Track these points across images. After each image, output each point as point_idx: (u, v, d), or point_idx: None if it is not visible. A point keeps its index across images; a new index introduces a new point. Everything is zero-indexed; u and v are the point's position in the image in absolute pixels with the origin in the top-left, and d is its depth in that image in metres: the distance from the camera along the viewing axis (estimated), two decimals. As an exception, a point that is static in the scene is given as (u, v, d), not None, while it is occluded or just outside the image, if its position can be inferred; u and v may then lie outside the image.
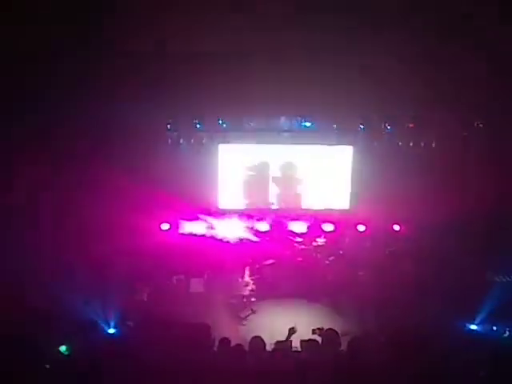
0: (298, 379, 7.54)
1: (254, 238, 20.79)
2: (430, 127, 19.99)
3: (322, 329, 9.45)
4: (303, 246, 21.10)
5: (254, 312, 18.60)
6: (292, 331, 10.22)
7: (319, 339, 8.88)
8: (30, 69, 14.30)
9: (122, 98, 16.57)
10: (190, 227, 20.57)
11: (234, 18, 13.90)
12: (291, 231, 21.11)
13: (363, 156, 20.68)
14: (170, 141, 19.98)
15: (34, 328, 12.16)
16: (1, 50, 13.47)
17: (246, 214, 21.12)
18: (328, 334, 8.89)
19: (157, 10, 13.56)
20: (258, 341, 8.78)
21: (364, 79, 15.93)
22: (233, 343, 8.96)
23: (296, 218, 21.28)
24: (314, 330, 9.94)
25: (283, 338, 9.99)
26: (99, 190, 17.04)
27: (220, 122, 20.13)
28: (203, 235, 20.56)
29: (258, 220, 21.08)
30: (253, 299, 19.28)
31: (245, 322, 17.75)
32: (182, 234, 20.42)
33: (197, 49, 14.93)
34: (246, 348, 8.67)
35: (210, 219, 20.74)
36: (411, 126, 20.17)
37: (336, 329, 9.24)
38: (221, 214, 21.00)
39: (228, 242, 20.55)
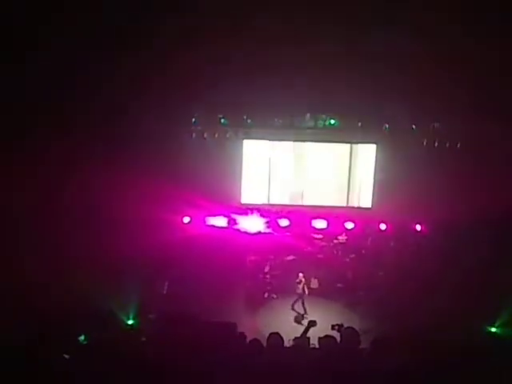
0: (315, 376, 7.53)
1: (275, 233, 20.78)
2: (455, 128, 19.80)
3: (342, 326, 9.40)
4: (324, 243, 21.13)
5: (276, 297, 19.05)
6: (312, 324, 10.20)
7: (338, 336, 8.84)
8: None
9: (148, 93, 16.67)
10: (213, 221, 20.62)
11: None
12: (313, 227, 21.04)
13: (387, 155, 20.58)
14: (194, 135, 19.96)
15: (56, 318, 12.35)
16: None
17: (268, 211, 21.10)
18: (347, 332, 8.84)
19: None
20: (275, 337, 8.76)
21: (390, 79, 15.84)
22: (251, 338, 8.95)
23: (318, 216, 21.20)
24: (333, 326, 9.90)
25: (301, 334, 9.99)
26: (124, 185, 17.13)
27: (245, 117, 20.09)
28: (225, 228, 20.59)
29: (280, 217, 21.04)
30: (274, 296, 19.37)
31: (264, 317, 17.82)
32: (204, 227, 20.45)
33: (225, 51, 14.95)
34: (264, 343, 8.67)
35: (233, 215, 20.75)
36: (436, 125, 20.00)
37: (355, 327, 9.20)
38: (243, 210, 20.99)
39: (249, 234, 20.55)
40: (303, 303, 18.24)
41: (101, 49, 14.38)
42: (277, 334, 8.79)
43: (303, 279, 18.59)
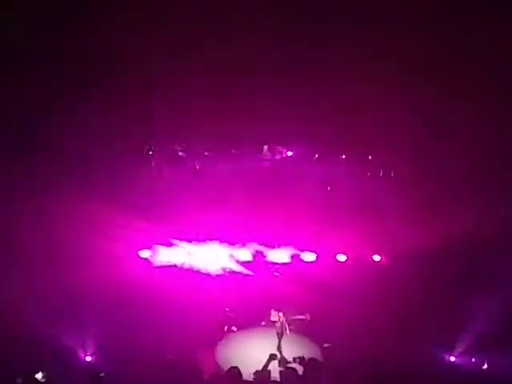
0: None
1: (237, 268, 20.67)
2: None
3: (303, 358, 9.33)
4: (283, 277, 21.08)
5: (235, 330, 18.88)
6: (272, 357, 10.10)
7: (300, 368, 8.72)
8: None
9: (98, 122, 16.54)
10: (168, 255, 20.39)
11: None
12: (272, 262, 21.04)
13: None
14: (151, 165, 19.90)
15: (11, 352, 12.03)
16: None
17: (226, 239, 21.02)
18: (310, 364, 8.74)
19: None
20: (234, 372, 8.58)
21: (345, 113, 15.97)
22: (211, 373, 8.78)
23: (276, 246, 21.20)
24: (294, 359, 9.83)
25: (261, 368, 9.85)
26: (75, 217, 16.86)
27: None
28: (182, 265, 20.38)
29: (240, 247, 20.97)
30: (234, 328, 19.14)
31: (223, 352, 17.55)
32: (160, 266, 20.23)
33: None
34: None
35: (190, 246, 20.58)
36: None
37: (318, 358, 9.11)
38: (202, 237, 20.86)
39: (209, 274, 20.41)
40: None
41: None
42: (235, 368, 8.63)
43: (282, 318, 18.19)
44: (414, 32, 12.99)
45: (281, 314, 17.94)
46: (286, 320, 17.99)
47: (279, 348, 17.24)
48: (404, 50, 13.51)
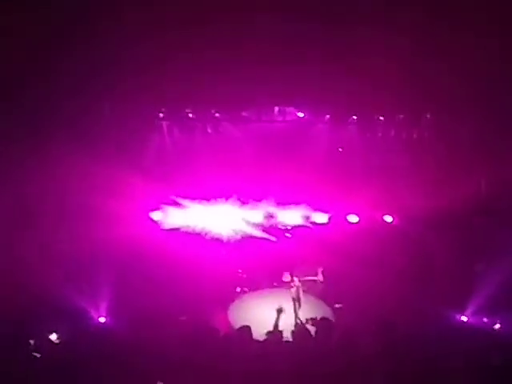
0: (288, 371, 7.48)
1: (248, 231, 20.78)
2: (421, 119, 19.96)
3: (316, 318, 9.41)
4: (294, 239, 21.14)
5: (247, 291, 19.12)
6: (280, 311, 10.21)
7: (312, 329, 8.81)
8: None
9: (111, 87, 16.49)
10: (178, 216, 20.50)
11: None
12: (283, 223, 21.12)
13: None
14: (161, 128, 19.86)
15: (25, 316, 12.16)
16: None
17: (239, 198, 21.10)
18: (322, 324, 8.82)
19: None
20: (245, 330, 8.66)
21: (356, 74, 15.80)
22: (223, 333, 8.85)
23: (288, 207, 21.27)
24: (307, 320, 9.93)
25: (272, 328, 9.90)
26: (88, 178, 16.91)
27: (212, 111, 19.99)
28: (193, 229, 20.51)
29: (252, 208, 21.06)
30: (245, 289, 19.29)
31: (236, 312, 17.72)
32: (171, 229, 20.36)
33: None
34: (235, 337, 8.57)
35: (200, 207, 20.66)
36: (402, 116, 20.14)
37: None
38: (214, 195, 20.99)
39: (221, 241, 20.57)
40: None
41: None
42: (246, 327, 8.71)
43: (297, 282, 18.30)
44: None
45: (295, 279, 18.01)
46: (300, 282, 18.09)
47: (295, 311, 17.36)
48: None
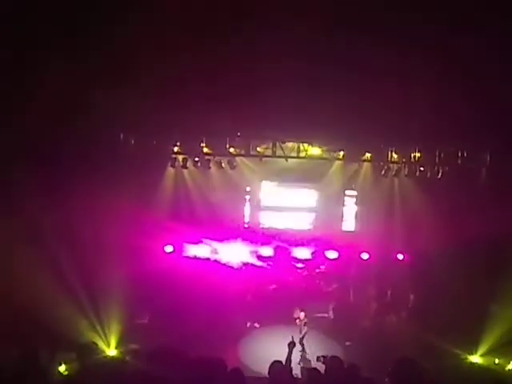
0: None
1: (258, 263, 20.77)
2: (435, 157, 19.98)
3: (326, 356, 9.35)
4: (306, 273, 21.12)
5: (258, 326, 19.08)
6: (293, 345, 10.16)
7: (322, 367, 8.76)
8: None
9: (127, 120, 16.72)
10: (193, 251, 20.62)
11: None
12: (294, 257, 21.13)
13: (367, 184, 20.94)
14: (177, 163, 19.98)
15: (36, 346, 12.16)
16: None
17: (250, 238, 21.20)
18: (332, 362, 8.77)
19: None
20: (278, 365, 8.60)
21: (371, 109, 15.88)
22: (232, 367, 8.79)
23: (300, 244, 21.28)
24: (318, 358, 9.85)
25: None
26: (104, 213, 17.03)
27: (227, 146, 20.12)
28: (207, 259, 20.59)
29: (262, 244, 21.11)
30: (256, 325, 19.22)
31: (246, 347, 17.66)
32: (186, 258, 20.44)
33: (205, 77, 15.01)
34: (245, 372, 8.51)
35: (214, 243, 20.76)
36: (418, 155, 20.17)
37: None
38: (226, 237, 21.02)
39: (231, 266, 20.55)
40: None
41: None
42: (280, 362, 8.65)
43: (302, 317, 18.18)
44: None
45: (302, 314, 17.97)
46: (306, 318, 17.99)
47: (301, 344, 17.30)
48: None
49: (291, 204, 22.72)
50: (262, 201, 22.49)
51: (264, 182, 22.16)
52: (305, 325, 17.72)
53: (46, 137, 15.68)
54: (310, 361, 16.13)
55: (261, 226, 22.37)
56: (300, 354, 17.03)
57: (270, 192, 22.51)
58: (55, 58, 13.18)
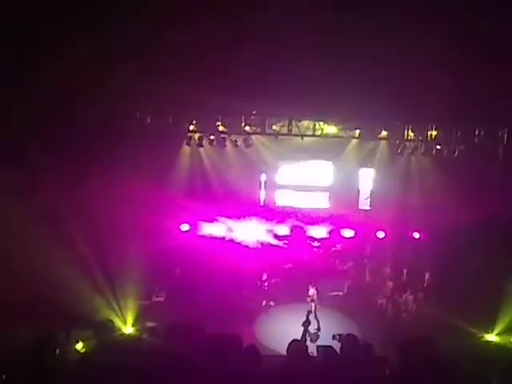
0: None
1: (274, 242, 20.78)
2: (452, 135, 19.82)
3: (342, 335, 9.35)
4: (322, 251, 21.11)
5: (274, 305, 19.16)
6: (307, 324, 10.19)
7: (337, 346, 8.75)
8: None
9: (142, 98, 16.73)
10: (209, 229, 20.66)
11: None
12: (310, 236, 21.11)
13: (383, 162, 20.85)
14: (192, 142, 19.99)
15: (52, 324, 12.25)
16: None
17: (266, 216, 21.19)
18: (348, 340, 8.77)
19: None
20: (297, 345, 8.61)
21: (387, 87, 15.76)
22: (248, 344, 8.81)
23: (316, 223, 21.25)
24: (334, 336, 9.88)
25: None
26: (121, 192, 17.10)
27: (242, 124, 20.07)
28: (222, 237, 20.63)
29: (278, 222, 21.11)
30: (271, 303, 19.26)
31: (261, 325, 17.73)
32: (202, 236, 20.49)
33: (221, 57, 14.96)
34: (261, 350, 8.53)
35: (230, 221, 20.78)
36: (434, 133, 20.00)
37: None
38: (241, 214, 21.07)
39: (247, 245, 20.57)
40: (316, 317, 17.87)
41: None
42: (298, 341, 8.66)
43: (314, 295, 18.31)
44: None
45: (311, 290, 18.01)
46: (316, 295, 18.03)
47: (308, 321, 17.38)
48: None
49: (307, 182, 22.51)
50: (277, 179, 22.30)
51: (280, 160, 21.98)
52: (312, 301, 17.76)
53: (61, 117, 15.77)
54: (318, 336, 16.35)
55: (276, 204, 22.22)
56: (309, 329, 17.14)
57: (285, 170, 22.32)
58: (69, 36, 13.21)
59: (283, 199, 22.37)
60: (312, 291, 17.99)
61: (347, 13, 13.51)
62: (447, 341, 11.63)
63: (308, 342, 10.14)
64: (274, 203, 22.26)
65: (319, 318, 17.50)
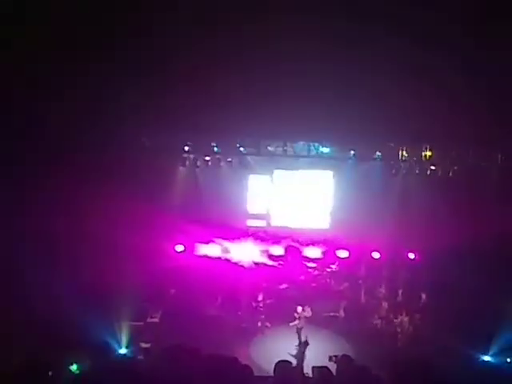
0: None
1: (269, 262, 20.78)
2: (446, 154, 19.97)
3: (338, 356, 9.36)
4: (317, 272, 21.11)
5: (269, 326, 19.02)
6: (306, 344, 10.19)
7: (333, 367, 8.75)
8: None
9: (138, 121, 16.80)
10: (205, 250, 20.66)
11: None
12: (305, 256, 21.12)
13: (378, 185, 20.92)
14: (187, 163, 20.07)
15: (46, 346, 12.22)
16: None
17: (261, 237, 21.19)
18: (343, 361, 8.78)
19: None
20: (284, 365, 8.60)
21: (379, 108, 15.86)
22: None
23: (311, 243, 21.26)
24: (330, 358, 9.91)
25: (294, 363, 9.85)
26: (115, 214, 17.13)
27: (238, 146, 20.17)
28: (218, 258, 20.63)
29: (273, 243, 21.12)
30: (267, 324, 19.21)
31: (257, 346, 17.68)
32: (197, 257, 20.48)
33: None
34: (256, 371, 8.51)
35: (225, 242, 20.78)
36: (429, 154, 20.14)
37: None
38: (237, 234, 21.04)
39: (242, 266, 20.55)
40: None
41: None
42: (285, 362, 8.67)
43: (303, 313, 18.20)
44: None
45: (299, 308, 18.00)
46: (303, 312, 18.01)
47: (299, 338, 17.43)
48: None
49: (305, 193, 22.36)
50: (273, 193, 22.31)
51: (276, 170, 22.01)
52: (299, 319, 17.74)
53: (61, 136, 15.89)
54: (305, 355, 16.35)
55: (272, 225, 22.19)
56: (296, 347, 17.21)
57: (282, 181, 22.25)
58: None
59: (279, 220, 22.31)
60: (300, 309, 17.98)
61: (344, 38, 13.65)
62: (443, 361, 11.70)
63: (295, 362, 10.12)
64: (270, 224, 22.22)
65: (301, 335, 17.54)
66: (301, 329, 17.61)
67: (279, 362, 8.44)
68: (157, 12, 12.86)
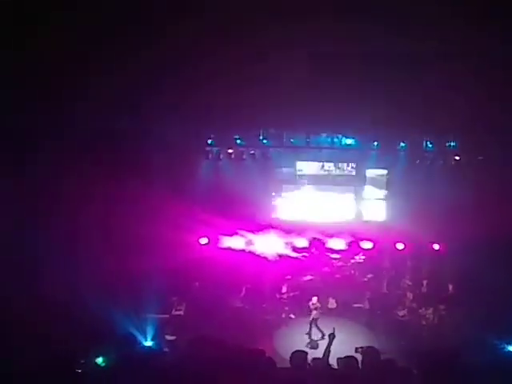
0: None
1: (293, 254, 20.76)
2: (472, 146, 19.76)
3: (363, 347, 9.36)
4: (341, 263, 21.05)
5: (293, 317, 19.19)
6: (332, 336, 10.15)
7: (359, 357, 8.74)
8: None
9: (161, 114, 16.82)
10: (229, 242, 20.68)
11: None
12: (329, 248, 21.06)
13: (400, 172, 20.74)
14: (210, 156, 20.14)
15: (73, 339, 12.30)
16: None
17: (285, 229, 21.14)
18: (368, 353, 8.77)
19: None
20: (300, 355, 8.65)
21: (407, 98, 15.74)
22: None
23: (335, 235, 21.17)
24: (356, 349, 9.89)
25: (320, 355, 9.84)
26: (139, 205, 17.23)
27: (260, 138, 20.17)
28: (242, 250, 20.64)
29: (297, 235, 21.07)
30: (291, 316, 19.24)
31: (282, 338, 17.70)
32: (221, 249, 20.52)
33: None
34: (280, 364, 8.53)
35: (249, 235, 20.79)
36: (453, 144, 19.96)
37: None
38: (261, 227, 21.05)
39: (266, 258, 20.55)
40: (317, 325, 17.92)
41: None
42: (301, 351, 8.70)
43: (318, 304, 18.42)
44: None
45: (314, 298, 18.26)
46: (318, 303, 18.16)
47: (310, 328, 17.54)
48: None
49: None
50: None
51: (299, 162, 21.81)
52: (315, 309, 17.81)
53: (100, 132, 16.08)
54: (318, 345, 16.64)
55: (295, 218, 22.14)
56: (306, 336, 17.50)
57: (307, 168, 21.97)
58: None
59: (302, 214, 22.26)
60: (315, 299, 18.06)
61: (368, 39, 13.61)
62: (470, 353, 11.63)
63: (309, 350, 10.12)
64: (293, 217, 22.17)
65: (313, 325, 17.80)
66: (316, 320, 17.70)
67: (295, 352, 8.50)
68: (182, 12, 12.86)
